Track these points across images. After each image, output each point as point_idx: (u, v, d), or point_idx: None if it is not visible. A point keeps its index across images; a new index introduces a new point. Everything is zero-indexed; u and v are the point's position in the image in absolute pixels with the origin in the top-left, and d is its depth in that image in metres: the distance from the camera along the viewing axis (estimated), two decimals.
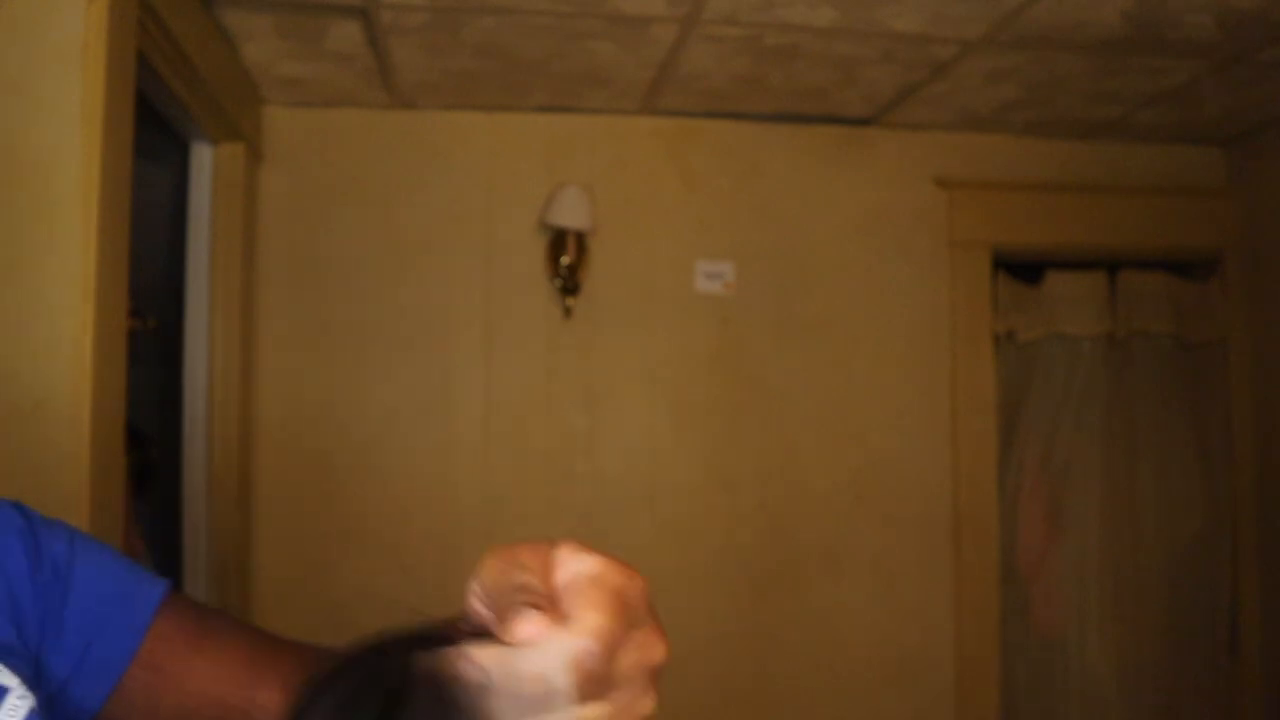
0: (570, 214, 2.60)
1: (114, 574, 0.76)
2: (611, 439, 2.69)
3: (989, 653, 2.79)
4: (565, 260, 2.64)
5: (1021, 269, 2.93)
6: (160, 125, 2.23)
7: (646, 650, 0.50)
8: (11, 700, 0.66)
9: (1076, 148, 2.91)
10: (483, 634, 0.50)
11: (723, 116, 2.75)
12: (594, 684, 0.47)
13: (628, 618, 0.50)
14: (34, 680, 0.69)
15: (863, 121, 2.79)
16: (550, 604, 0.49)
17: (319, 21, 2.18)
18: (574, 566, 0.52)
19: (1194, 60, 2.34)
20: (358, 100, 2.62)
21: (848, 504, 2.75)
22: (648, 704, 0.49)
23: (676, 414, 2.71)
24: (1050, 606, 2.86)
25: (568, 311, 2.67)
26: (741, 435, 2.73)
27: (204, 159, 2.43)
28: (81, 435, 1.48)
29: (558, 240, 2.65)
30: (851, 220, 2.81)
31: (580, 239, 2.65)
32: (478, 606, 0.54)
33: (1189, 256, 3.00)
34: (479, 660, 0.47)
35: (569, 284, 2.66)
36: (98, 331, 1.51)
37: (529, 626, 0.48)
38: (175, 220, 2.47)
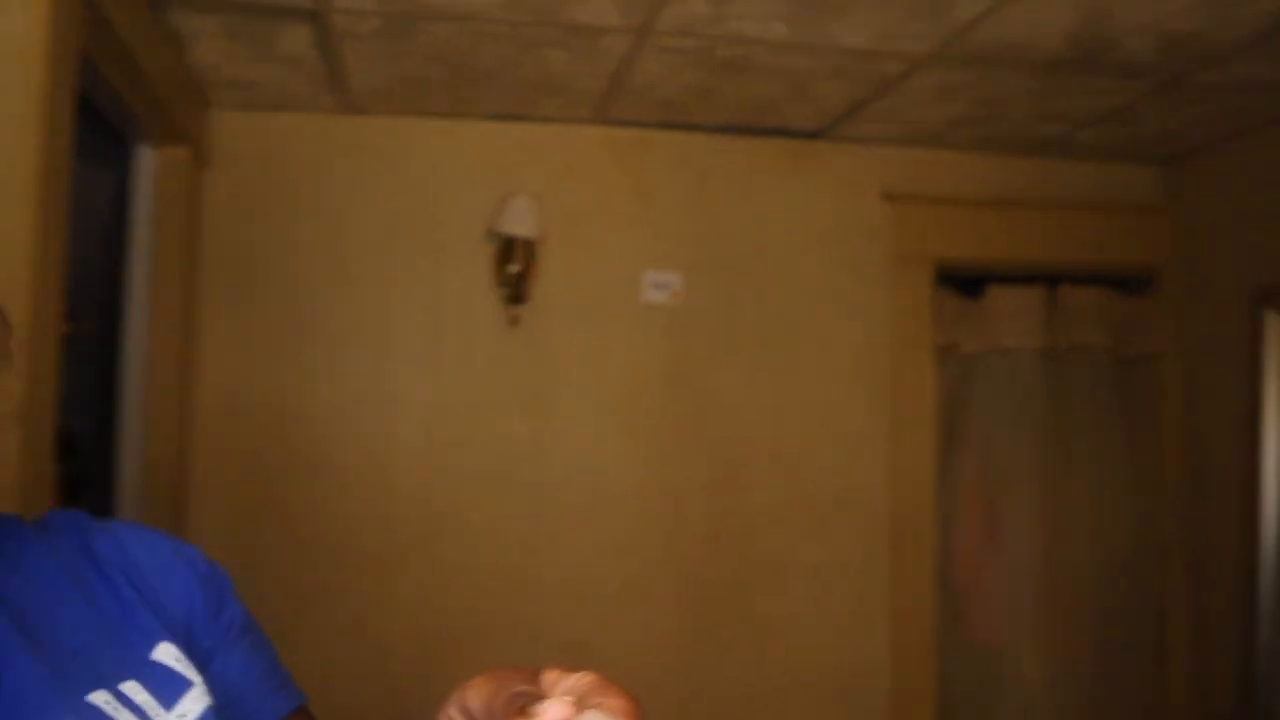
0: (519, 222, 2.60)
1: (271, 661, 0.84)
2: (556, 448, 2.69)
3: (925, 661, 2.83)
4: (513, 268, 2.63)
5: (963, 282, 2.98)
6: (103, 127, 2.19)
7: None
8: (195, 693, 0.72)
9: (1020, 164, 2.96)
10: None
11: (674, 127, 2.76)
12: None
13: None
14: None
15: (812, 135, 2.82)
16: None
17: (269, 24, 2.15)
18: (569, 680, 0.54)
19: (1134, 81, 2.40)
20: (307, 105, 2.59)
21: (790, 514, 2.77)
22: None
23: (621, 424, 2.72)
24: (986, 615, 2.91)
25: (514, 320, 2.66)
26: (686, 446, 2.74)
27: (147, 162, 2.39)
28: (10, 442, 1.45)
29: (506, 248, 2.64)
30: (799, 232, 2.83)
31: (529, 247, 2.64)
32: None
33: (1126, 273, 3.07)
34: None
35: (516, 292, 2.65)
36: (32, 335, 1.48)
37: (559, 710, 0.49)
38: (116, 223, 2.42)
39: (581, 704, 0.50)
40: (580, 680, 0.53)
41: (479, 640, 2.60)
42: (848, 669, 2.79)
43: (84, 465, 2.29)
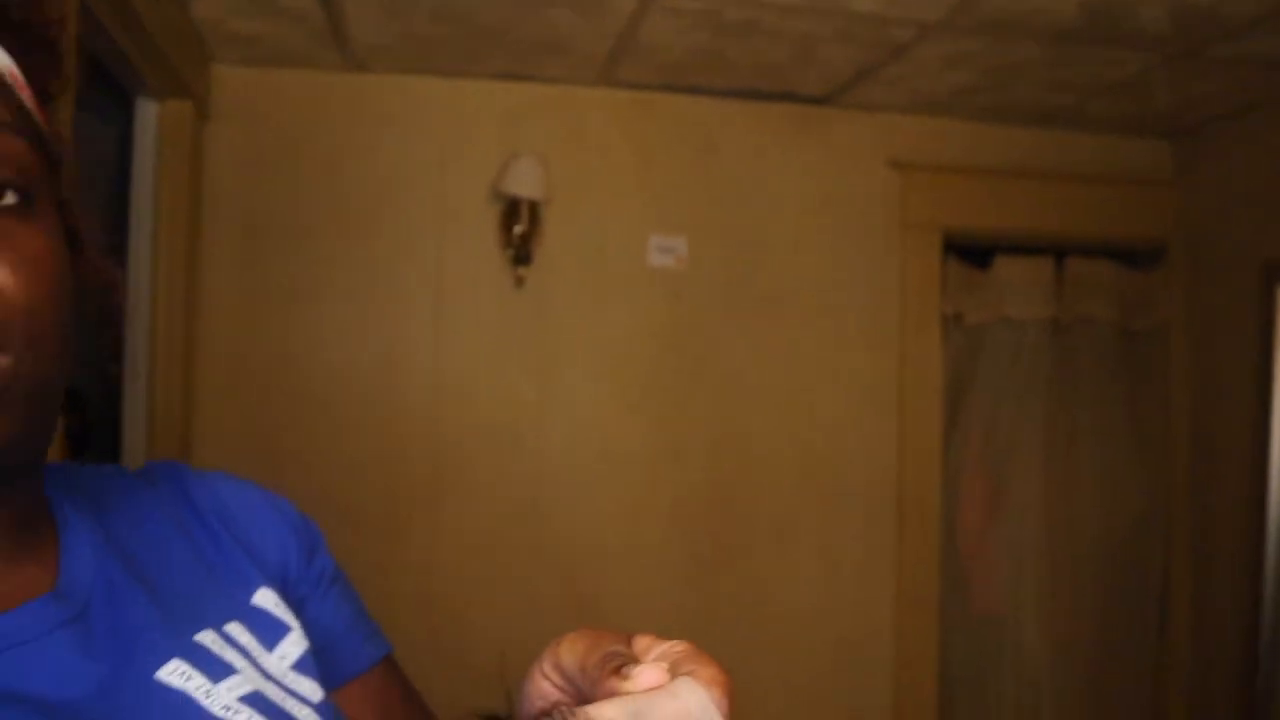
0: (524, 183, 2.58)
1: (360, 610, 0.86)
2: (560, 409, 2.69)
3: (928, 628, 2.84)
4: (518, 229, 2.62)
5: (971, 252, 2.96)
6: (105, 80, 2.17)
7: None
8: (293, 637, 0.73)
9: (1029, 134, 2.94)
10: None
11: (680, 91, 2.73)
12: None
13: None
14: None
15: (819, 100, 2.79)
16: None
17: None
18: (663, 646, 0.54)
19: (1146, 52, 2.37)
20: (310, 61, 2.57)
21: (795, 480, 2.78)
22: None
23: (626, 386, 2.72)
24: (988, 585, 2.92)
25: (519, 281, 2.66)
26: (691, 409, 2.74)
27: (149, 115, 2.37)
28: None
29: (511, 209, 2.63)
30: (805, 199, 2.81)
31: (534, 209, 2.63)
32: (551, 684, 0.55)
33: (1134, 245, 3.05)
34: (607, 716, 0.46)
35: (521, 253, 2.64)
36: None
37: (654, 674, 0.48)
38: (119, 177, 2.41)
39: (674, 671, 0.49)
40: (673, 647, 0.53)
41: (483, 598, 2.61)
42: (850, 634, 2.80)
43: (91, 418, 2.30)
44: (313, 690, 0.72)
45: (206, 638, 0.68)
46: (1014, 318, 2.96)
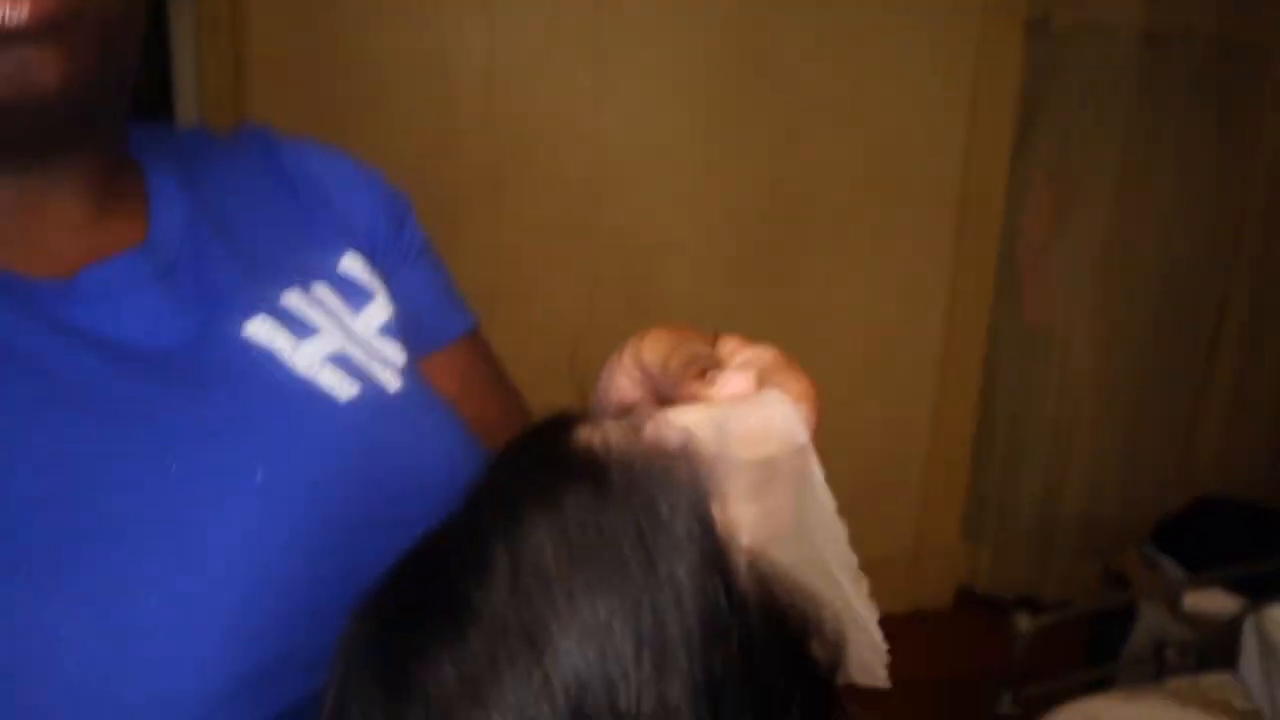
0: None
1: (448, 283, 0.86)
2: (618, 101, 2.60)
3: (975, 334, 2.85)
4: None
5: None
6: None
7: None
8: (379, 302, 0.73)
9: None
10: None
11: None
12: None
13: None
14: None
15: None
16: None
17: None
18: (749, 352, 0.51)
19: None
20: None
21: (856, 179, 2.71)
22: None
23: (686, 79, 2.61)
24: (1043, 299, 2.89)
25: None
26: (753, 105, 2.64)
27: None
28: None
29: None
30: None
31: None
32: (630, 381, 0.52)
33: None
34: (688, 422, 0.41)
35: None
36: None
37: (740, 381, 0.45)
38: None
39: (761, 381, 0.46)
40: (760, 355, 0.50)
41: (537, 290, 2.64)
42: (897, 337, 2.82)
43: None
44: (397, 354, 0.72)
45: (292, 298, 0.67)
46: (1105, 23, 2.76)
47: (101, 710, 0.52)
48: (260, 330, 0.65)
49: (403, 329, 0.75)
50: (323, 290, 0.71)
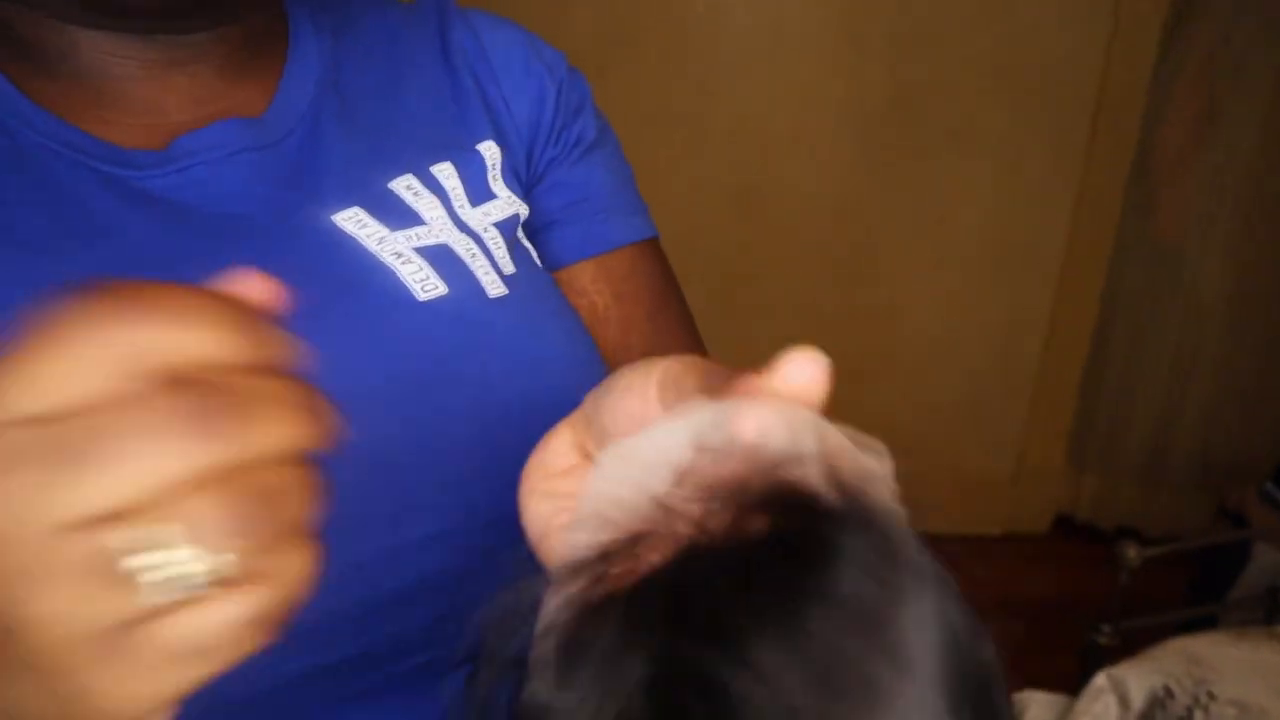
0: None
1: (621, 185, 0.78)
2: None
3: (1100, 251, 2.69)
4: None
5: None
6: None
7: None
8: (503, 198, 0.70)
9: None
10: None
11: None
12: None
13: None
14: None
15: None
16: None
17: None
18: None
19: None
20: None
21: (984, 77, 2.54)
22: None
23: None
24: (1176, 214, 2.70)
25: None
26: None
27: None
28: None
29: None
30: None
31: None
32: (644, 405, 0.43)
33: None
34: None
35: None
36: None
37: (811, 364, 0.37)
38: None
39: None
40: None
41: (646, 183, 2.56)
42: (1018, 244, 2.67)
43: None
44: (505, 261, 0.67)
45: (402, 183, 0.65)
46: None
47: None
48: (350, 219, 0.62)
49: (544, 226, 0.72)
50: (446, 169, 0.68)
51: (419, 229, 0.64)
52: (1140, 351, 2.82)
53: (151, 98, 0.61)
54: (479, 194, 0.68)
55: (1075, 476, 2.96)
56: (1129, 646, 1.61)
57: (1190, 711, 1.33)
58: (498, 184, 0.70)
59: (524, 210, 0.71)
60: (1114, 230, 2.69)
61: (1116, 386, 2.85)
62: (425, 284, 0.61)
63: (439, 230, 0.64)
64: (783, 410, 0.32)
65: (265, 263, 0.59)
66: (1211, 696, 1.34)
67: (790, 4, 2.49)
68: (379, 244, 0.62)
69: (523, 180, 0.73)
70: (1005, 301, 2.73)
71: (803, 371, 0.33)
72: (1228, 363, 2.79)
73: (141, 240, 0.57)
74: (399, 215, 0.64)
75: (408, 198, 0.65)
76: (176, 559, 0.28)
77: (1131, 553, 1.73)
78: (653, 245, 0.79)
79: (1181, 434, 2.85)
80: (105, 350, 0.29)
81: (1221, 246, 2.70)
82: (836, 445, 0.32)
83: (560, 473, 0.42)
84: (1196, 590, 2.24)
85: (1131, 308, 2.78)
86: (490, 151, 0.70)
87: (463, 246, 0.64)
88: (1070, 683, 1.56)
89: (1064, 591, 2.62)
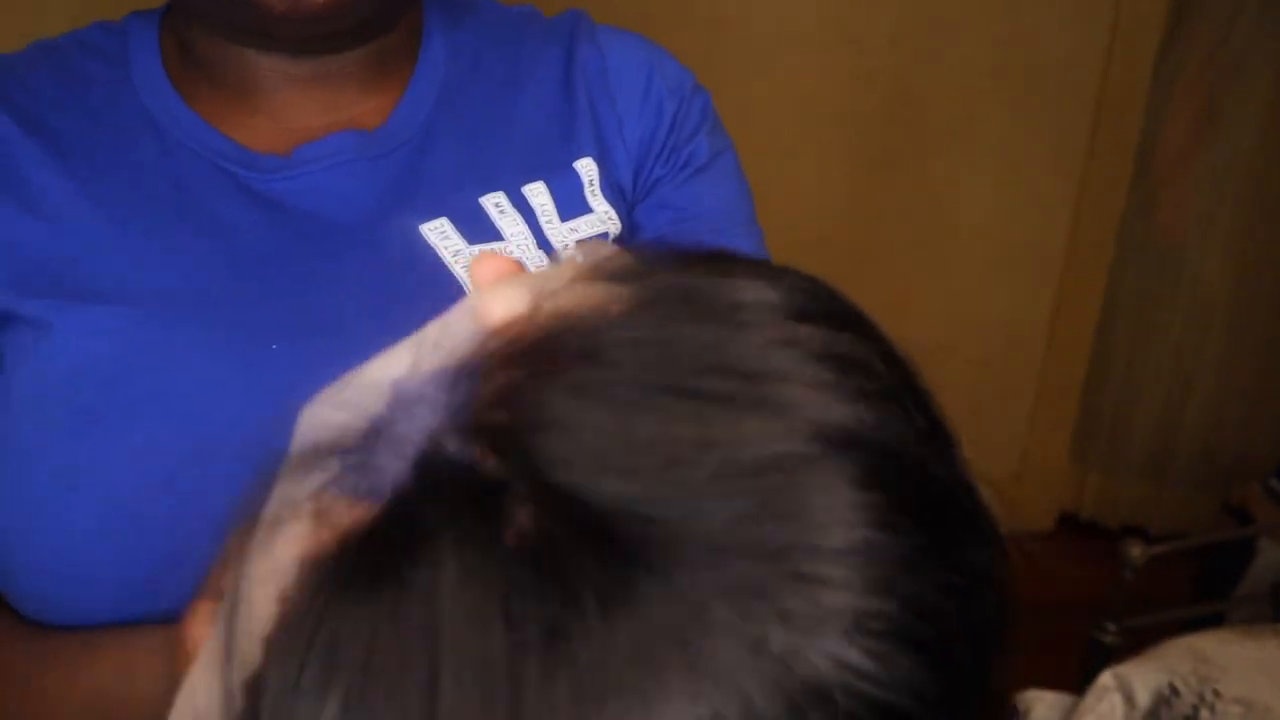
0: None
1: (733, 206, 0.82)
2: None
3: (1101, 252, 2.69)
4: None
5: None
6: None
7: None
8: (593, 219, 0.72)
9: None
10: None
11: None
12: None
13: None
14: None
15: None
16: None
17: None
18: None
19: None
20: None
21: (983, 77, 2.54)
22: None
23: None
24: (1177, 213, 2.70)
25: None
26: None
27: None
28: None
29: None
30: None
31: None
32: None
33: None
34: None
35: None
36: None
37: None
38: None
39: None
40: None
41: None
42: (1017, 247, 2.67)
43: None
44: None
45: (492, 200, 0.69)
46: None
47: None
48: (435, 230, 0.66)
49: (650, 242, 0.74)
50: (537, 188, 0.70)
51: (496, 245, 0.67)
52: (1143, 349, 2.82)
53: (290, 108, 0.69)
54: (572, 208, 0.71)
55: (1079, 474, 2.95)
56: (1134, 645, 1.61)
57: (1196, 710, 1.33)
58: (596, 198, 0.72)
59: (615, 228, 0.73)
60: (1115, 229, 2.69)
61: (1119, 384, 2.85)
62: None
63: (516, 247, 0.68)
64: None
65: (350, 264, 0.65)
66: (1217, 695, 1.34)
67: (789, 6, 2.50)
68: (454, 255, 0.65)
69: (627, 197, 0.76)
70: (1007, 300, 2.73)
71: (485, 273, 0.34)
72: (1230, 360, 2.78)
73: (245, 234, 0.64)
74: (481, 230, 0.67)
75: (494, 214, 0.68)
76: None
77: (1136, 550, 1.73)
78: None
79: (1185, 431, 2.84)
80: None
81: (1223, 245, 2.70)
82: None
83: None
84: (1201, 589, 2.24)
85: (1133, 305, 2.78)
86: (587, 169, 0.73)
87: (536, 264, 0.67)
88: (1075, 682, 1.56)
89: (1068, 590, 2.60)
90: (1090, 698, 1.42)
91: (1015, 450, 2.89)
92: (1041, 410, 2.87)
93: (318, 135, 0.68)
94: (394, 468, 0.27)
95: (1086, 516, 2.97)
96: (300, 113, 0.69)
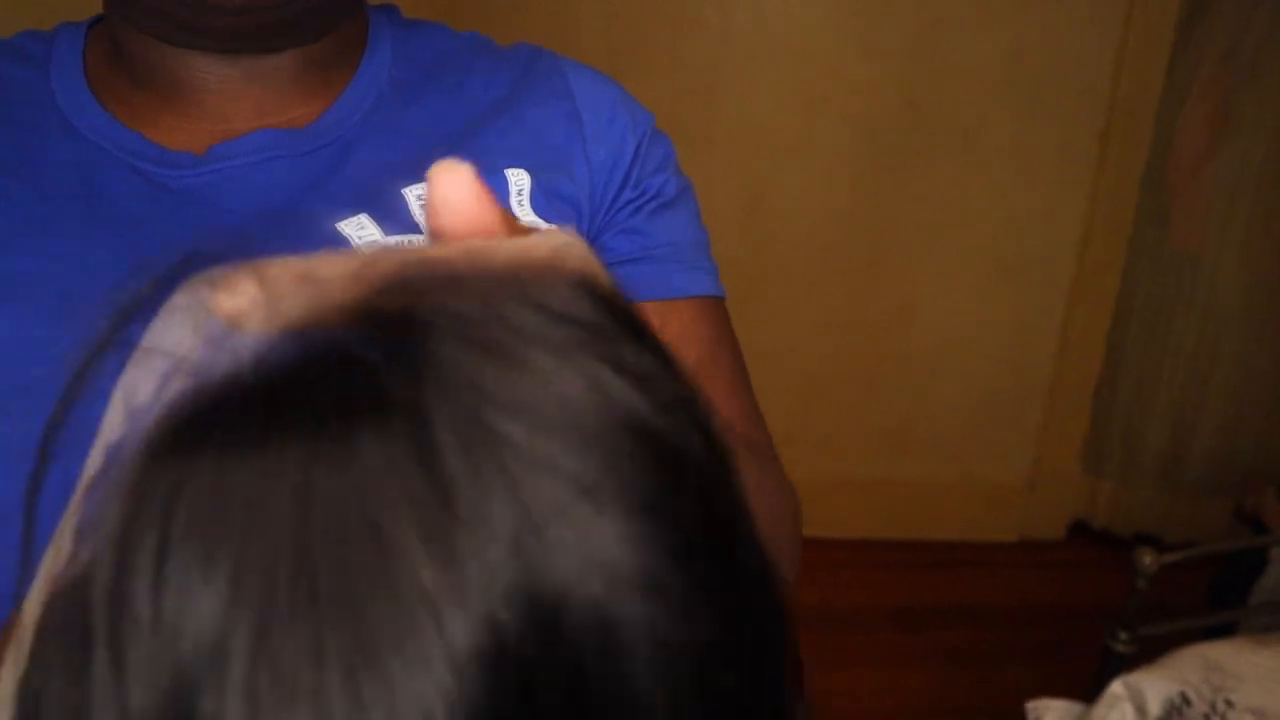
0: None
1: (689, 242, 0.79)
2: None
3: (1113, 259, 2.68)
4: None
5: None
6: None
7: None
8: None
9: None
10: None
11: None
12: None
13: None
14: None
15: None
16: None
17: None
18: None
19: None
20: None
21: (994, 84, 2.54)
22: None
23: None
24: (1192, 219, 2.69)
25: None
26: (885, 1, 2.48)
27: None
28: None
29: None
30: None
31: None
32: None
33: None
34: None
35: None
36: None
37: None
38: None
39: None
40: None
41: None
42: (1029, 256, 2.67)
43: None
44: None
45: (414, 192, 0.68)
46: None
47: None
48: (353, 225, 0.66)
49: (614, 264, 0.73)
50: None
51: (414, 236, 0.66)
52: (1156, 356, 2.80)
53: (220, 109, 0.68)
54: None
55: (1091, 482, 2.94)
56: (1147, 653, 1.60)
57: (1207, 719, 1.32)
58: (522, 209, 0.71)
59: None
60: (1128, 234, 2.68)
61: (1132, 392, 2.84)
62: None
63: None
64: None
65: (261, 259, 0.63)
66: (1229, 704, 1.33)
67: (800, 10, 2.49)
68: (367, 244, 0.64)
69: (583, 212, 0.75)
70: (1019, 306, 2.72)
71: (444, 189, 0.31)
72: (1244, 367, 2.77)
73: (161, 229, 0.64)
74: (399, 223, 0.67)
75: (414, 206, 0.68)
76: None
77: (1148, 559, 1.71)
78: (716, 304, 0.80)
79: (1198, 439, 2.83)
80: None
81: (1237, 252, 2.68)
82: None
83: None
84: (1213, 597, 2.22)
85: (1146, 312, 2.77)
86: (517, 178, 0.72)
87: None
88: (1087, 690, 1.55)
89: (1080, 598, 2.60)
90: (1101, 706, 1.41)
91: (1027, 458, 2.87)
92: (1053, 418, 2.85)
93: (239, 132, 0.68)
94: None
95: (1099, 525, 2.95)
96: (230, 114, 0.69)
